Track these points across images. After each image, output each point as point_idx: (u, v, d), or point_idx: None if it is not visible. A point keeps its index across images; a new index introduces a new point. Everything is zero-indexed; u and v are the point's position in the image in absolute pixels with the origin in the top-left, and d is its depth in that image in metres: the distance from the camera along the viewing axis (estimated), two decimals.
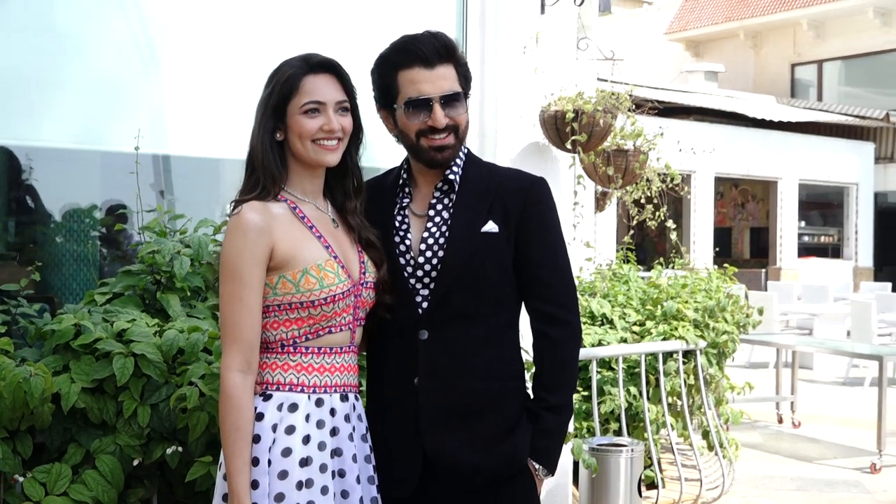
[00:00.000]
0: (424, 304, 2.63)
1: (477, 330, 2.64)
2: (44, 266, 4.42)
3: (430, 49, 2.59)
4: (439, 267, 2.62)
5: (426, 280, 2.63)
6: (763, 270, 20.62)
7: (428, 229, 2.66)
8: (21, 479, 3.09)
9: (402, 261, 2.65)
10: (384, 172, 2.86)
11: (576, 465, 4.96)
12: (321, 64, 2.57)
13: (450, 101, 2.61)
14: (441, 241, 2.64)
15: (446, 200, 2.69)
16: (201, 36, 4.78)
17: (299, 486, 2.42)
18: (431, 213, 2.68)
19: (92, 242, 4.70)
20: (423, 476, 2.62)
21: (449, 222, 2.65)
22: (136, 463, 3.21)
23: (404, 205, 2.72)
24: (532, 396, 2.72)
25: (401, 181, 2.75)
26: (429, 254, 2.63)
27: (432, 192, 2.71)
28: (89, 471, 3.13)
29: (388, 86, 2.64)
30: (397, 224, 2.69)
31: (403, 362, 2.63)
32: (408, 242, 2.66)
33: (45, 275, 4.46)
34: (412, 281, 2.64)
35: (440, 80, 2.60)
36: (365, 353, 2.78)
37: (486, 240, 2.63)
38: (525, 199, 2.67)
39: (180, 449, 3.23)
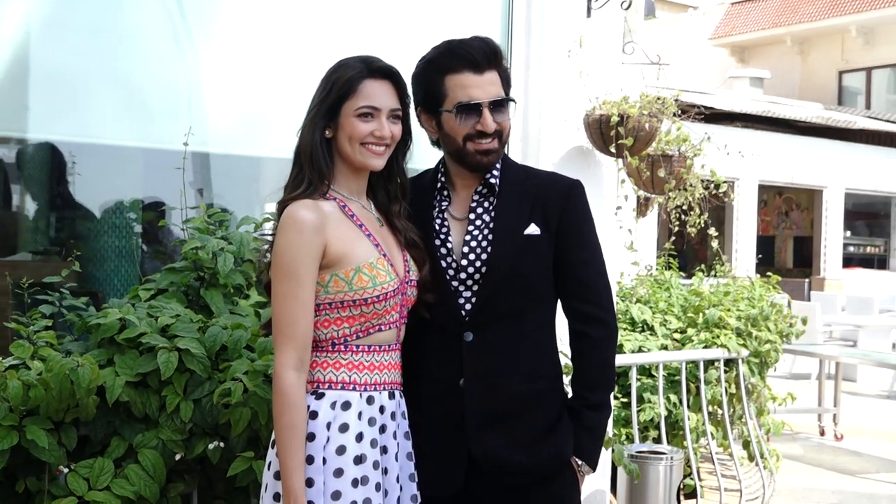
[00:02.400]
0: (468, 306, 2.67)
1: (520, 331, 2.68)
2: (87, 261, 4.45)
3: (481, 54, 2.63)
4: (483, 270, 2.65)
5: (469, 283, 2.67)
6: (806, 280, 20.38)
7: (470, 232, 2.69)
8: (66, 470, 3.10)
9: (444, 263, 2.68)
10: (418, 174, 2.87)
11: (614, 471, 4.92)
12: (381, 70, 2.58)
13: (498, 106, 2.64)
14: (484, 244, 2.67)
15: (486, 204, 2.72)
16: (244, 34, 4.79)
17: (354, 483, 2.43)
18: (472, 216, 2.71)
19: (135, 238, 4.73)
20: (466, 475, 2.65)
21: (491, 225, 2.69)
22: (177, 458, 3.22)
23: (443, 208, 2.75)
24: (571, 395, 2.77)
25: (439, 184, 2.76)
26: (472, 256, 2.66)
27: (471, 195, 2.74)
28: (132, 465, 3.14)
29: (434, 89, 2.66)
30: (437, 227, 2.72)
31: (447, 363, 2.66)
32: (449, 245, 2.69)
33: (88, 269, 4.49)
34: (454, 283, 2.68)
35: (489, 85, 2.63)
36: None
37: (529, 242, 2.67)
38: (565, 202, 2.72)
39: (222, 444, 3.23)
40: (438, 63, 2.66)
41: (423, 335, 2.69)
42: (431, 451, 2.66)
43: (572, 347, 2.77)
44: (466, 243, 2.68)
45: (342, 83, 2.53)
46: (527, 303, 2.69)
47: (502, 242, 2.66)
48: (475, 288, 2.66)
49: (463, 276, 2.67)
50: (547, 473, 2.69)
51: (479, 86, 2.61)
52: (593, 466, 2.75)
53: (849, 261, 21.57)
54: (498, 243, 2.66)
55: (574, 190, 2.76)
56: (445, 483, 2.66)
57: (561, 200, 2.72)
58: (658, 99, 4.82)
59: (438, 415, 2.67)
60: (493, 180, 2.71)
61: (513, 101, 2.71)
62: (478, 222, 2.70)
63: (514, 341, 2.68)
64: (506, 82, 2.70)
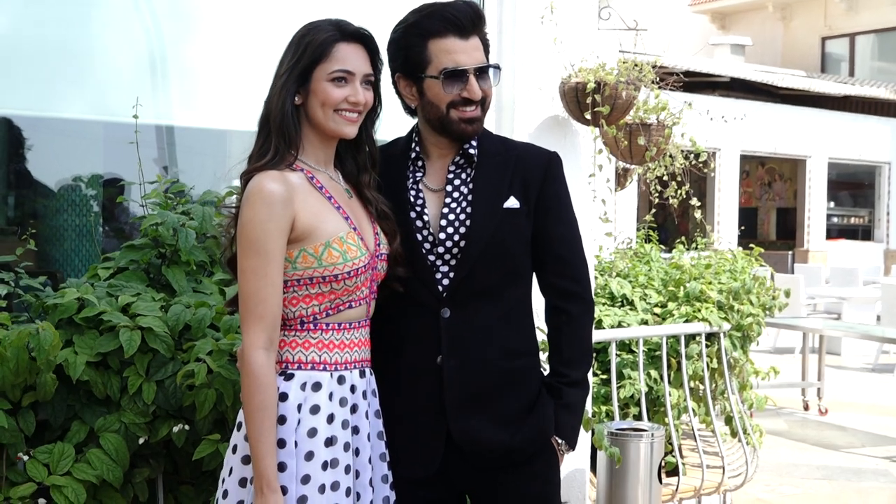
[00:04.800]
0: (445, 281, 2.61)
1: (498, 307, 2.64)
2: (44, 239, 4.35)
3: (467, 18, 2.56)
4: (462, 244, 2.60)
5: (447, 257, 2.61)
6: (790, 252, 20.37)
7: (447, 205, 2.63)
8: (25, 458, 3.04)
9: (419, 237, 2.62)
10: (388, 143, 2.77)
11: (593, 450, 4.84)
12: (354, 33, 2.50)
13: (482, 72, 2.59)
14: (462, 217, 2.61)
15: (464, 175, 2.66)
16: (206, 2, 4.65)
17: (324, 466, 2.39)
18: (449, 188, 2.65)
19: (94, 216, 4.61)
20: (444, 456, 2.61)
21: (469, 198, 2.62)
22: (141, 441, 3.16)
23: (417, 179, 2.65)
24: (550, 372, 2.75)
25: (413, 154, 2.67)
26: (450, 230, 2.60)
27: (447, 166, 2.67)
28: (94, 449, 3.08)
29: (416, 54, 2.58)
30: (412, 199, 2.63)
31: (424, 340, 2.61)
32: (425, 218, 2.63)
33: (46, 249, 4.39)
34: (431, 257, 2.61)
35: (474, 50, 2.58)
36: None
37: (509, 216, 2.62)
38: (544, 174, 2.68)
39: (187, 427, 3.20)
40: (422, 26, 2.57)
41: (398, 311, 2.62)
42: (409, 431, 2.61)
43: (549, 324, 2.75)
44: (444, 216, 2.61)
45: (315, 46, 2.44)
46: (505, 278, 2.64)
47: (481, 215, 2.59)
48: (452, 263, 2.60)
49: (441, 249, 2.60)
50: (528, 453, 2.65)
51: (464, 51, 2.55)
52: (573, 445, 2.72)
53: (833, 232, 21.57)
54: (477, 216, 2.59)
55: (553, 162, 2.71)
56: (423, 464, 2.61)
57: (540, 173, 2.67)
58: (636, 66, 4.68)
59: (416, 394, 2.62)
60: (471, 150, 2.65)
61: (498, 67, 2.66)
62: (455, 194, 2.63)
63: (493, 318, 2.62)
64: (486, 48, 2.63)
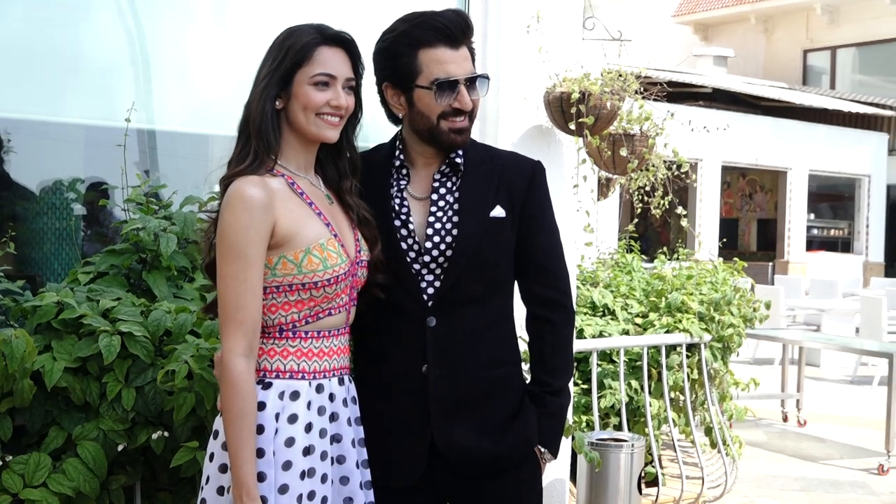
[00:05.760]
0: (430, 290, 2.59)
1: (483, 316, 2.63)
2: (24, 243, 4.31)
3: (457, 28, 2.55)
4: (448, 254, 2.58)
5: (433, 266, 2.59)
6: (770, 264, 20.45)
7: (433, 213, 2.61)
8: (0, 462, 2.99)
9: (405, 245, 2.59)
10: (371, 149, 2.75)
11: (573, 459, 4.83)
12: (335, 37, 2.48)
13: (472, 83, 2.58)
14: (448, 226, 2.59)
15: (449, 184, 2.64)
16: (190, 6, 4.62)
17: (302, 475, 2.37)
18: (434, 196, 2.63)
19: (75, 219, 4.57)
20: (428, 464, 2.60)
21: (455, 207, 2.61)
22: (119, 448, 3.12)
23: (402, 187, 2.63)
24: (531, 381, 2.73)
25: (398, 162, 2.65)
26: (436, 239, 2.58)
27: (433, 174, 2.65)
28: (71, 459, 3.03)
29: (405, 63, 2.56)
30: (396, 206, 2.61)
31: (409, 349, 2.59)
32: (410, 227, 2.60)
33: (26, 252, 4.34)
34: (416, 266, 2.59)
35: (464, 60, 2.56)
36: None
37: (495, 225, 2.61)
38: (529, 183, 2.67)
39: (166, 434, 3.15)
40: (412, 35, 2.54)
41: (381, 319, 2.61)
42: (392, 439, 2.60)
43: (531, 332, 2.74)
44: (430, 225, 2.59)
45: (297, 50, 2.42)
46: (490, 287, 2.64)
47: (468, 225, 2.58)
48: (437, 272, 2.59)
49: (426, 259, 2.58)
50: (514, 460, 2.65)
51: (455, 61, 2.53)
52: (555, 454, 2.73)
53: (813, 244, 21.67)
54: (464, 225, 2.58)
55: (537, 171, 2.71)
56: (407, 472, 2.59)
57: (524, 182, 2.66)
58: (620, 76, 4.68)
59: (399, 402, 2.60)
60: (458, 160, 2.63)
61: (487, 77, 2.63)
62: (441, 203, 2.62)
63: (478, 327, 2.62)
64: (473, 57, 2.62)
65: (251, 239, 2.32)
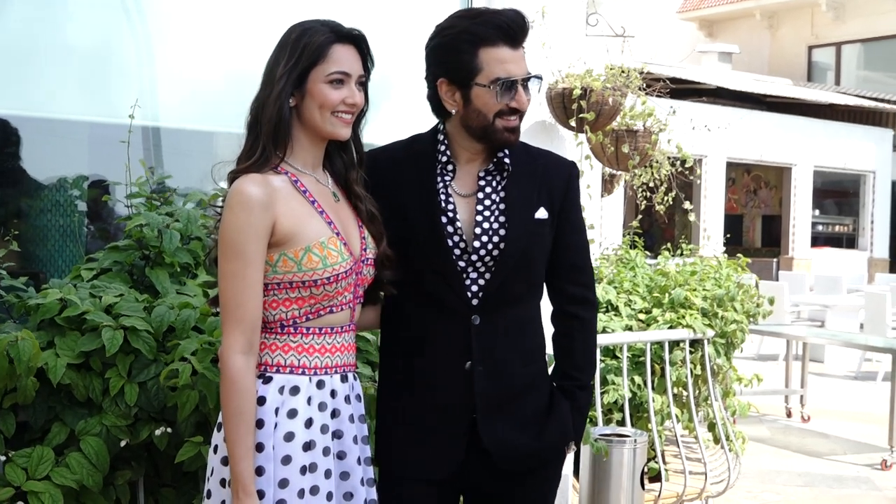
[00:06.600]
0: (474, 288, 2.61)
1: (522, 313, 2.69)
2: (28, 240, 4.31)
3: (518, 28, 2.55)
4: (495, 254, 2.60)
5: (478, 264, 2.60)
6: (775, 260, 20.41)
7: (480, 212, 2.61)
8: (3, 458, 2.99)
9: (450, 242, 2.59)
10: (397, 143, 2.76)
11: (576, 455, 4.84)
12: (349, 35, 2.47)
13: (527, 83, 2.58)
14: (496, 226, 2.60)
15: (494, 183, 2.64)
16: (195, 3, 4.62)
17: (303, 470, 2.37)
18: (480, 195, 2.63)
19: (79, 216, 4.57)
20: (464, 459, 2.63)
21: (501, 206, 2.62)
22: (122, 444, 3.12)
23: (447, 182, 2.64)
24: (560, 376, 2.78)
25: (444, 158, 2.64)
26: (484, 238, 2.59)
27: (477, 171, 2.65)
28: (74, 453, 3.03)
29: (466, 61, 2.54)
30: (442, 203, 2.61)
31: (452, 345, 2.61)
32: (457, 224, 2.60)
33: (30, 249, 4.35)
34: (461, 263, 2.60)
35: (522, 60, 2.56)
36: (380, 331, 2.79)
37: (539, 226, 2.65)
38: (567, 185, 2.71)
39: (169, 430, 3.16)
40: (473, 33, 2.53)
41: (422, 315, 2.64)
42: (429, 434, 2.62)
43: (560, 328, 2.78)
44: (478, 224, 2.60)
45: (313, 48, 2.42)
46: (529, 286, 2.69)
47: (516, 226, 2.60)
48: (482, 270, 2.60)
49: (473, 257, 2.59)
50: (551, 456, 2.72)
51: (515, 61, 2.53)
52: (578, 446, 2.82)
53: (817, 240, 21.62)
54: (512, 226, 2.60)
55: (573, 172, 2.75)
56: (441, 466, 2.63)
57: (563, 183, 2.70)
58: (622, 72, 4.69)
59: (442, 398, 2.63)
60: (505, 159, 2.63)
61: (541, 77, 2.63)
62: (487, 202, 2.62)
63: (517, 324, 2.67)
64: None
65: (250, 237, 2.33)
